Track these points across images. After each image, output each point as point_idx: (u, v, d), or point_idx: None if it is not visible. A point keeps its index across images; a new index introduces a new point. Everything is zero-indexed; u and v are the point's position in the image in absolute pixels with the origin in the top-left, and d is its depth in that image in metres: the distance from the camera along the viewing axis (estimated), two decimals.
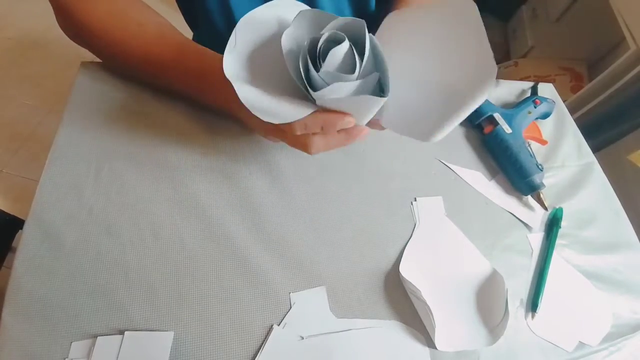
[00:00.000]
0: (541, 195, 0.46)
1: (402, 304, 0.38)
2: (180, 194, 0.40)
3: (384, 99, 0.30)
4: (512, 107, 0.51)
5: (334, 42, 0.31)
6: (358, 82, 0.30)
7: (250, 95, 0.30)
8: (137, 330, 0.33)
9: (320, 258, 0.39)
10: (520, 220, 0.45)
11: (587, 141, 0.54)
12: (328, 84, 0.30)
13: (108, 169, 0.40)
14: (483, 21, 0.31)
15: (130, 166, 0.41)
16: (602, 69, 1.01)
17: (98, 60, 0.45)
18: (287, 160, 0.44)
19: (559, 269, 0.43)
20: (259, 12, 0.33)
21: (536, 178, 0.45)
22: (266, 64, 0.33)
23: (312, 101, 0.32)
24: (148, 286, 0.35)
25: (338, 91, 0.30)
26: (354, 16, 0.35)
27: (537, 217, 0.46)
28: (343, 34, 0.31)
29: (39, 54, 1.51)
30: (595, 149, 0.53)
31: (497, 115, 0.49)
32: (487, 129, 0.49)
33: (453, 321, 0.38)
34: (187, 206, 0.40)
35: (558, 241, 0.44)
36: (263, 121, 0.31)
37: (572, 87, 1.30)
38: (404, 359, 0.36)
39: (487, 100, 0.51)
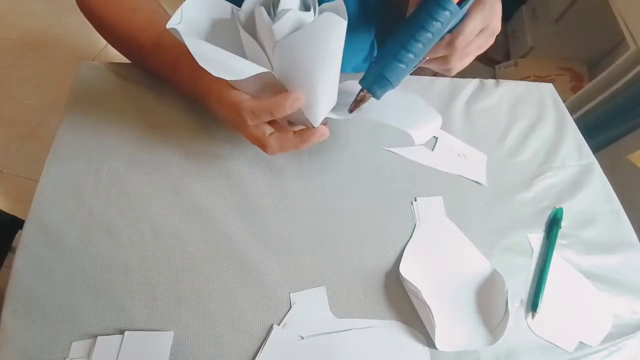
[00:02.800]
0: (362, 95, 0.35)
1: (402, 304, 0.38)
2: (180, 194, 0.40)
3: (344, 21, 0.27)
4: None
5: None
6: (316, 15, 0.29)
7: (199, 47, 0.28)
8: (137, 330, 0.33)
9: (320, 258, 0.39)
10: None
11: (587, 141, 0.54)
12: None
13: (108, 169, 0.40)
14: None
15: (130, 166, 0.41)
16: (602, 69, 1.00)
17: (98, 60, 0.45)
18: (286, 161, 0.44)
19: (559, 269, 0.43)
20: None
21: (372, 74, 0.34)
22: (219, 36, 0.32)
23: (267, 66, 0.30)
24: (148, 286, 0.35)
25: (294, 21, 0.28)
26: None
27: (482, 170, 0.47)
28: None
29: (39, 54, 1.51)
30: (595, 149, 0.53)
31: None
32: None
33: (453, 321, 0.38)
34: (187, 206, 0.40)
35: (558, 241, 0.44)
36: (230, 113, 0.31)
37: (572, 87, 1.30)
38: (404, 359, 0.36)
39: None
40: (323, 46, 0.29)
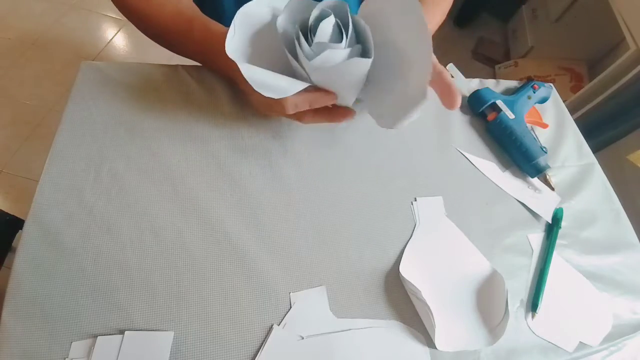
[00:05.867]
0: (547, 177, 0.47)
1: (402, 304, 0.38)
2: (180, 194, 0.40)
3: (369, 60, 0.34)
4: (512, 94, 0.53)
5: (322, 19, 0.35)
6: (347, 50, 0.34)
7: (252, 72, 0.35)
8: (137, 330, 0.33)
9: (320, 258, 0.39)
10: (532, 211, 0.46)
11: (587, 141, 0.54)
12: (319, 54, 0.34)
13: (108, 169, 0.40)
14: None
15: (131, 166, 0.41)
16: (602, 69, 1.01)
17: (99, 60, 0.45)
18: (287, 161, 0.44)
19: (559, 269, 0.43)
20: (253, 5, 0.37)
21: (541, 160, 0.47)
22: (264, 50, 0.38)
23: (306, 80, 0.36)
24: (148, 286, 0.35)
25: (329, 59, 0.34)
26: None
27: (549, 209, 0.46)
28: (329, 10, 0.35)
29: (39, 54, 1.51)
30: (595, 149, 0.53)
31: (499, 102, 0.50)
32: (491, 116, 0.50)
33: (453, 321, 0.38)
34: (188, 206, 0.40)
35: (558, 241, 0.44)
36: (262, 97, 0.34)
37: (572, 87, 1.30)
38: (404, 359, 0.36)
39: (488, 89, 0.52)
40: (350, 75, 0.36)
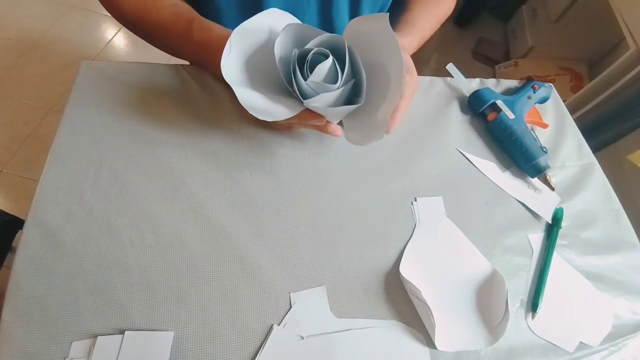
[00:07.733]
0: (547, 177, 0.47)
1: (402, 304, 0.38)
2: (180, 194, 0.40)
3: (356, 106, 0.37)
4: (512, 94, 0.53)
5: (321, 55, 0.37)
6: (339, 90, 0.36)
7: (247, 98, 0.36)
8: (137, 330, 0.33)
9: (320, 258, 0.39)
10: (532, 211, 0.46)
11: (587, 141, 0.54)
12: (314, 90, 0.36)
13: (108, 169, 0.40)
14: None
15: (131, 166, 0.41)
16: (602, 69, 1.00)
17: (99, 60, 0.45)
18: (287, 161, 0.44)
19: (559, 269, 0.43)
20: (250, 23, 0.38)
21: (541, 160, 0.47)
22: (259, 67, 0.39)
23: (299, 104, 0.37)
24: (148, 286, 0.35)
25: (322, 100, 0.36)
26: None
27: (549, 209, 0.46)
28: (328, 50, 0.36)
29: (39, 54, 1.51)
30: (595, 149, 0.53)
31: (499, 102, 0.50)
32: (491, 116, 0.50)
33: (453, 321, 0.38)
34: (188, 206, 0.40)
35: (558, 241, 0.44)
36: None
37: (572, 87, 1.30)
38: (404, 359, 0.36)
39: (488, 89, 0.52)
40: (339, 113, 0.39)
